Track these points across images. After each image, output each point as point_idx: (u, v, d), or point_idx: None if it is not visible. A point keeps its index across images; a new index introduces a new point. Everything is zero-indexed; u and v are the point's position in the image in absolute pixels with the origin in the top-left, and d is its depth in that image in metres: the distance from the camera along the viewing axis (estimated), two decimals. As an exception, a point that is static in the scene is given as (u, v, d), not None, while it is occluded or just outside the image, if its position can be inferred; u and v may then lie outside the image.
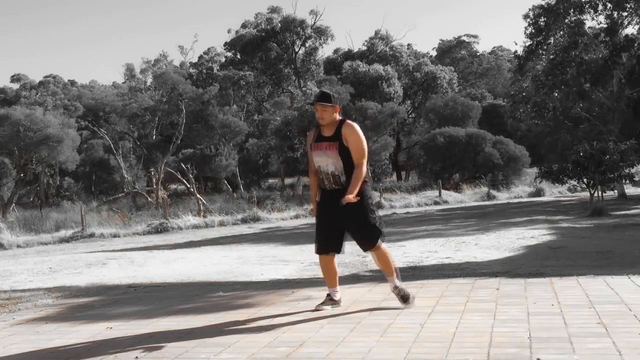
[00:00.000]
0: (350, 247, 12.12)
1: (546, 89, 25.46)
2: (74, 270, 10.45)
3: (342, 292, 5.71)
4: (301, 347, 3.95)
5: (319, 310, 5.01)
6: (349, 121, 5.03)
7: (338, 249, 5.08)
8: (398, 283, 5.04)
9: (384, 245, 5.03)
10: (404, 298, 4.98)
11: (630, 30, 25.24)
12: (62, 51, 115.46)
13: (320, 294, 5.51)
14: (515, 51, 28.31)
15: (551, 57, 25.36)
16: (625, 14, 24.75)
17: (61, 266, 11.08)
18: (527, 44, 26.02)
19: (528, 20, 25.75)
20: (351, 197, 4.75)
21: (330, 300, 5.11)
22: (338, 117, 5.04)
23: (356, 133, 4.93)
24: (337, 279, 5.21)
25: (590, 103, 26.00)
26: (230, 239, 16.05)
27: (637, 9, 24.24)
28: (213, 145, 34.62)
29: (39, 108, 32.21)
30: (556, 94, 25.73)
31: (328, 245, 5.04)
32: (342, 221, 4.95)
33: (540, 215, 17.81)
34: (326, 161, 4.94)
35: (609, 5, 24.59)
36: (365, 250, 5.06)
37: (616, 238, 11.76)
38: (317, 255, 5.16)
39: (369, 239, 4.95)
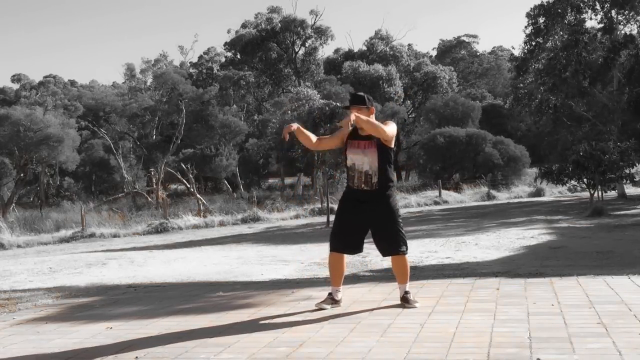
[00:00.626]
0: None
1: (545, 87, 25.48)
2: (74, 270, 10.45)
3: (342, 292, 5.72)
4: (301, 347, 3.95)
5: (319, 308, 5.01)
6: (387, 121, 5.11)
7: (359, 249, 5.15)
8: (409, 289, 5.16)
9: (407, 258, 5.13)
10: (411, 301, 5.06)
11: (629, 29, 25.25)
12: (62, 51, 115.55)
13: (320, 294, 5.51)
14: (511, 54, 28.46)
15: (551, 55, 25.39)
16: (621, 17, 24.77)
17: (61, 266, 11.08)
18: (527, 43, 26.06)
19: (529, 20, 25.79)
20: (359, 116, 4.76)
21: (331, 299, 5.11)
22: (373, 118, 5.07)
23: (392, 123, 5.06)
24: (342, 279, 5.21)
25: (590, 102, 26.00)
26: (230, 239, 16.05)
27: (635, 7, 24.26)
28: (213, 145, 34.64)
29: (39, 108, 32.25)
30: (555, 95, 25.74)
31: (347, 245, 5.09)
32: (369, 224, 5.01)
33: (540, 215, 17.80)
34: (362, 160, 4.94)
35: (607, 5, 24.63)
36: (388, 255, 5.09)
37: (616, 238, 11.76)
38: (329, 252, 5.18)
39: (397, 246, 5.00)
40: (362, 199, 4.94)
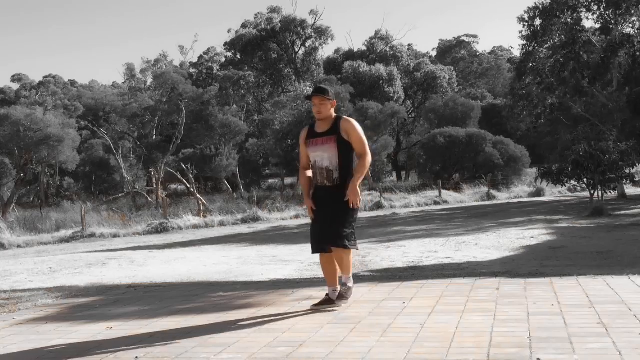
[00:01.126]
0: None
1: (543, 86, 25.49)
2: (74, 270, 10.45)
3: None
4: (301, 347, 3.95)
5: (315, 310, 5.00)
6: (345, 117, 5.05)
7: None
8: (351, 284, 5.13)
9: (350, 255, 5.02)
10: (344, 297, 5.05)
11: (626, 29, 25.27)
12: (62, 51, 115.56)
13: (320, 294, 5.51)
14: (510, 57, 28.53)
15: (549, 54, 25.40)
16: (618, 17, 24.78)
17: (61, 266, 11.08)
18: (524, 44, 26.11)
19: (523, 23, 25.85)
20: (353, 191, 4.82)
21: (327, 300, 5.11)
22: (333, 113, 5.05)
23: (356, 127, 4.97)
24: (338, 277, 5.19)
25: (589, 102, 26.02)
26: (230, 239, 16.05)
27: (630, 8, 24.28)
28: (213, 145, 34.63)
29: (39, 108, 32.24)
30: (554, 95, 25.75)
31: (322, 244, 5.02)
32: (327, 215, 4.95)
33: (540, 215, 17.80)
34: (322, 156, 4.94)
35: (602, 5, 24.67)
36: (335, 245, 4.99)
37: (616, 238, 11.76)
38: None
39: (335, 239, 4.90)
40: (325, 195, 4.93)
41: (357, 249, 5.14)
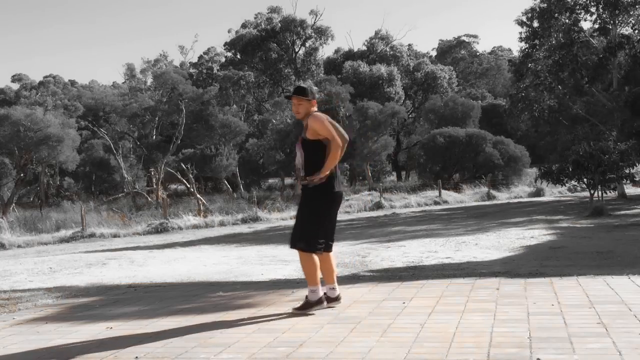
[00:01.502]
0: (350, 248, 12.14)
1: (542, 87, 25.48)
2: (74, 270, 10.45)
3: (343, 292, 5.72)
4: (301, 347, 3.95)
5: (294, 314, 4.97)
6: (315, 113, 4.94)
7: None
8: (310, 295, 4.96)
9: (312, 256, 4.90)
10: (305, 307, 4.93)
11: (624, 30, 25.28)
12: (62, 51, 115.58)
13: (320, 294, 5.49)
14: (510, 59, 28.57)
15: (548, 54, 25.40)
16: (616, 17, 24.78)
17: (61, 266, 11.08)
18: (523, 47, 26.13)
19: (522, 25, 25.85)
20: (316, 178, 4.78)
21: (327, 298, 5.09)
22: (315, 111, 5.00)
23: (317, 119, 4.85)
24: (334, 275, 5.15)
25: (589, 102, 26.02)
26: (230, 239, 16.05)
27: (627, 9, 24.28)
28: (213, 145, 34.64)
29: (39, 108, 32.24)
30: (553, 95, 25.74)
31: (328, 242, 5.10)
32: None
33: (540, 215, 17.80)
34: (297, 156, 5.03)
35: (600, 6, 24.67)
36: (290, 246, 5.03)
37: (616, 238, 11.76)
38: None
39: (292, 238, 4.95)
40: (303, 192, 5.01)
41: (315, 253, 4.91)
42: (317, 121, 4.85)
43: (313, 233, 4.89)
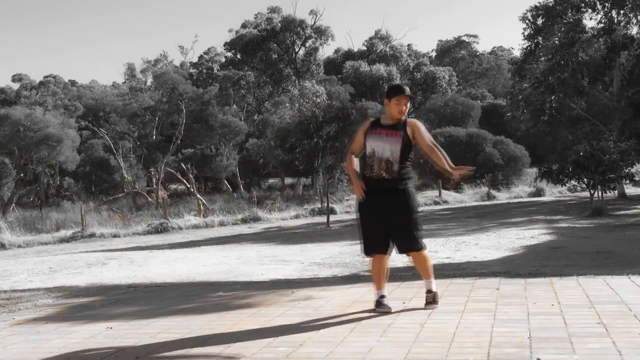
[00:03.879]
0: (350, 248, 12.11)
1: (543, 88, 25.48)
2: (74, 270, 10.45)
3: (342, 292, 5.72)
4: (301, 347, 3.95)
5: (387, 313, 4.81)
6: (411, 119, 5.08)
7: (389, 247, 4.92)
8: (434, 288, 4.96)
9: (426, 251, 4.93)
10: (435, 300, 4.92)
11: (629, 29, 25.23)
12: (62, 51, 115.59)
13: (320, 293, 5.51)
14: (512, 57, 28.52)
15: (550, 56, 25.38)
16: (622, 17, 24.76)
17: (61, 266, 11.08)
18: (526, 45, 26.08)
19: (526, 22, 25.80)
20: (458, 171, 5.00)
21: (380, 305, 4.91)
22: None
23: (423, 127, 5.04)
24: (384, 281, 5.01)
25: (590, 102, 26.00)
26: (230, 239, 16.05)
27: (635, 8, 24.25)
28: (213, 145, 34.64)
29: (39, 108, 32.24)
30: (554, 95, 25.73)
31: (378, 244, 4.88)
32: (389, 216, 4.81)
33: (540, 215, 17.80)
34: (383, 147, 4.85)
35: (607, 4, 24.63)
36: (406, 252, 4.89)
37: (616, 238, 11.76)
38: (367, 257, 5.02)
39: (415, 240, 4.82)
40: (380, 189, 4.81)
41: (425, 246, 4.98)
42: (421, 130, 5.00)
43: (422, 228, 4.98)
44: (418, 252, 4.87)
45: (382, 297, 4.92)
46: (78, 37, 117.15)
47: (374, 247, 4.89)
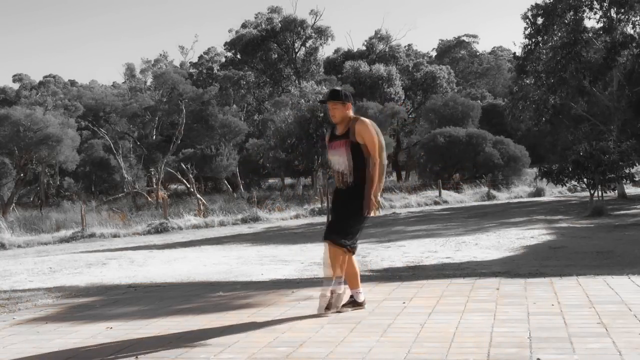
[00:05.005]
0: (350, 247, 12.02)
1: (545, 88, 25.47)
2: (74, 270, 10.45)
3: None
4: (301, 347, 3.95)
5: (340, 311, 4.91)
6: (361, 117, 4.97)
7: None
8: (328, 292, 4.91)
9: (343, 250, 4.88)
10: (327, 307, 4.88)
11: (629, 29, 25.22)
12: (62, 51, 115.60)
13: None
14: (514, 53, 28.46)
15: (550, 55, 25.37)
16: (621, 16, 24.74)
17: (61, 266, 11.08)
18: (526, 44, 26.06)
19: (527, 21, 25.78)
20: (373, 202, 4.86)
21: (352, 302, 5.01)
22: (351, 114, 5.01)
23: (368, 128, 4.87)
24: (359, 279, 5.08)
25: (590, 102, 25.99)
26: (230, 239, 16.05)
27: (634, 7, 24.24)
28: (213, 145, 34.63)
29: (39, 108, 32.23)
30: (555, 94, 25.72)
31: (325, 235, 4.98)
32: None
33: (540, 215, 17.80)
34: (337, 160, 4.91)
35: (605, 3, 24.63)
36: (325, 238, 4.93)
37: (616, 238, 11.76)
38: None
39: (334, 233, 4.85)
40: (342, 197, 4.94)
41: (352, 252, 4.95)
42: (368, 131, 4.87)
43: (357, 231, 4.94)
44: (333, 244, 4.85)
45: (352, 296, 5.02)
46: (78, 38, 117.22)
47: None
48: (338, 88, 5.12)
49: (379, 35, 46.89)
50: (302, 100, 30.26)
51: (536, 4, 25.66)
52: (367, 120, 4.97)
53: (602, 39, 24.89)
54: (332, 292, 4.89)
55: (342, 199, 4.94)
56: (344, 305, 4.97)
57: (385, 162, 4.98)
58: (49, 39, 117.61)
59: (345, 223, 4.87)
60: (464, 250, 10.85)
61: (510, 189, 30.07)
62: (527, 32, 25.93)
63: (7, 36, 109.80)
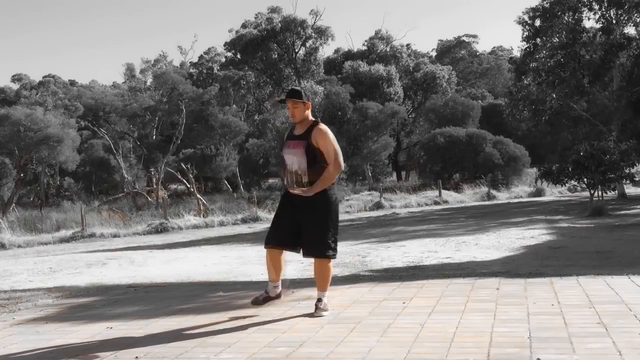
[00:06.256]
0: (350, 248, 12.11)
1: (544, 86, 25.47)
2: (74, 270, 10.45)
3: (342, 292, 5.72)
4: (301, 347, 3.95)
5: (257, 306, 4.99)
6: (321, 125, 4.95)
7: (292, 247, 5.03)
8: (325, 300, 4.96)
9: (330, 264, 4.96)
10: (319, 310, 4.90)
11: (627, 29, 25.23)
12: (62, 51, 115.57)
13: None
14: (511, 57, 28.53)
15: (549, 54, 25.37)
16: (620, 15, 24.73)
17: (61, 266, 11.08)
18: (524, 47, 26.09)
19: (523, 24, 25.80)
20: (310, 191, 4.78)
21: (267, 298, 5.05)
22: (310, 116, 5.01)
23: (327, 137, 4.87)
24: (281, 273, 5.14)
25: (590, 102, 25.99)
26: (230, 239, 16.05)
27: (633, 7, 24.23)
28: (213, 145, 34.63)
29: (39, 108, 32.22)
30: (555, 94, 25.71)
31: (279, 240, 4.99)
32: (301, 220, 4.89)
33: (540, 215, 17.80)
34: (292, 159, 4.89)
35: (604, 4, 24.63)
36: (310, 256, 4.99)
37: (616, 238, 11.76)
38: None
39: (316, 249, 4.89)
40: (295, 199, 4.92)
41: (335, 257, 5.00)
42: (326, 140, 4.86)
43: (332, 242, 4.92)
44: (321, 259, 4.91)
45: (266, 291, 5.05)
46: (78, 37, 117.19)
47: (272, 240, 5.02)
48: (298, 88, 5.10)
49: (379, 36, 46.88)
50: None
51: (534, 7, 25.67)
52: (325, 127, 4.96)
53: (601, 39, 24.88)
54: (267, 293, 5.03)
55: (304, 209, 4.87)
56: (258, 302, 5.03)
57: (341, 168, 4.94)
58: (49, 39, 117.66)
59: (328, 233, 4.87)
60: (464, 250, 10.85)
61: (510, 189, 30.08)
62: (524, 35, 25.94)
63: (7, 36, 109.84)
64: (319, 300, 4.94)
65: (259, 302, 5.01)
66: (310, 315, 4.87)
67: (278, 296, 5.09)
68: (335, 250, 4.94)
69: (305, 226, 4.88)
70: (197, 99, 34.57)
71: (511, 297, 5.16)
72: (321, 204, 4.87)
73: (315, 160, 4.84)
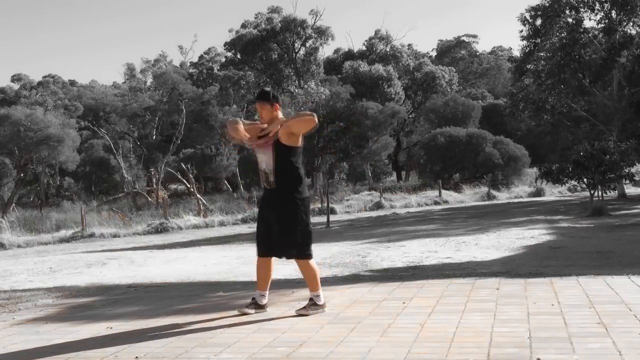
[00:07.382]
0: (350, 248, 12.11)
1: (544, 87, 25.46)
2: (74, 270, 10.45)
3: (342, 292, 5.72)
4: (301, 347, 3.95)
5: (242, 314, 4.96)
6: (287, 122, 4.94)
7: (277, 253, 4.98)
8: (320, 301, 4.95)
9: (312, 261, 4.95)
10: (308, 309, 4.90)
11: (628, 29, 25.18)
12: (62, 51, 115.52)
13: (321, 293, 5.48)
14: (510, 57, 28.51)
15: (549, 55, 25.35)
16: (622, 17, 24.72)
17: (61, 266, 11.08)
18: (524, 45, 26.07)
19: (524, 22, 25.76)
20: (272, 127, 4.79)
21: (254, 304, 5.05)
22: (280, 116, 4.99)
23: (293, 119, 4.88)
24: (269, 283, 5.10)
25: (590, 102, 25.98)
26: (230, 239, 16.05)
27: (635, 8, 24.21)
28: (213, 145, 34.64)
29: (40, 108, 32.25)
30: (555, 93, 25.70)
31: (263, 248, 4.98)
32: (273, 222, 4.88)
33: (540, 215, 17.80)
34: (261, 158, 4.92)
35: (607, 5, 24.60)
36: (287, 258, 4.97)
37: (616, 238, 11.76)
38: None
39: (290, 251, 4.88)
40: (267, 198, 4.95)
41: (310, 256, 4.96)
42: (288, 120, 4.87)
43: (304, 240, 4.91)
44: (299, 260, 4.91)
45: (253, 298, 5.06)
46: (78, 38, 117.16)
47: (258, 249, 5.03)
48: (267, 89, 5.06)
49: (379, 36, 46.89)
50: (307, 99, 30.24)
51: (535, 5, 25.64)
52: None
53: (603, 39, 24.86)
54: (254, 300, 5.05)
55: (276, 210, 4.87)
56: (247, 307, 5.03)
57: (316, 123, 4.83)
58: (49, 39, 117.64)
59: (297, 234, 4.85)
60: (464, 250, 10.85)
61: (510, 189, 30.09)
62: (524, 34, 25.91)
63: (7, 36, 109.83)
64: (310, 299, 4.96)
65: (247, 311, 5.00)
66: (297, 311, 4.88)
67: (263, 307, 5.06)
68: (309, 248, 4.90)
69: (277, 228, 4.87)
70: (197, 99, 34.58)
71: (511, 297, 5.16)
72: (290, 204, 4.86)
73: (284, 159, 4.84)
